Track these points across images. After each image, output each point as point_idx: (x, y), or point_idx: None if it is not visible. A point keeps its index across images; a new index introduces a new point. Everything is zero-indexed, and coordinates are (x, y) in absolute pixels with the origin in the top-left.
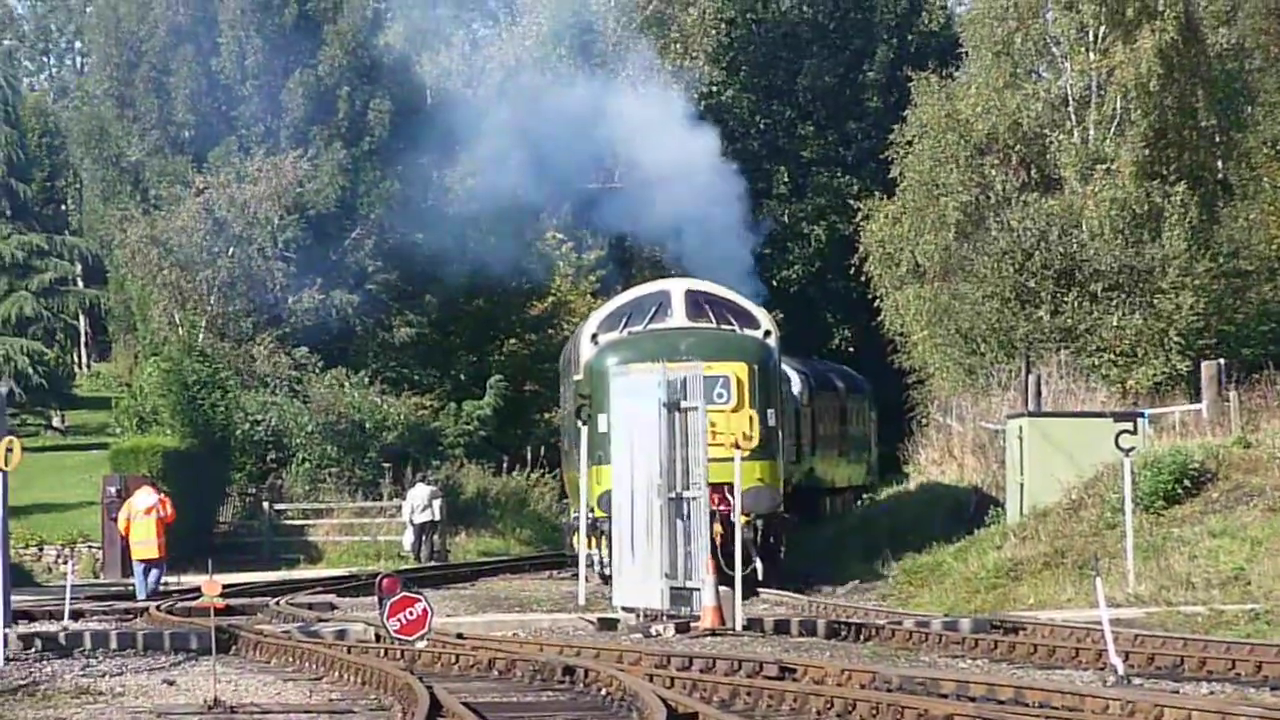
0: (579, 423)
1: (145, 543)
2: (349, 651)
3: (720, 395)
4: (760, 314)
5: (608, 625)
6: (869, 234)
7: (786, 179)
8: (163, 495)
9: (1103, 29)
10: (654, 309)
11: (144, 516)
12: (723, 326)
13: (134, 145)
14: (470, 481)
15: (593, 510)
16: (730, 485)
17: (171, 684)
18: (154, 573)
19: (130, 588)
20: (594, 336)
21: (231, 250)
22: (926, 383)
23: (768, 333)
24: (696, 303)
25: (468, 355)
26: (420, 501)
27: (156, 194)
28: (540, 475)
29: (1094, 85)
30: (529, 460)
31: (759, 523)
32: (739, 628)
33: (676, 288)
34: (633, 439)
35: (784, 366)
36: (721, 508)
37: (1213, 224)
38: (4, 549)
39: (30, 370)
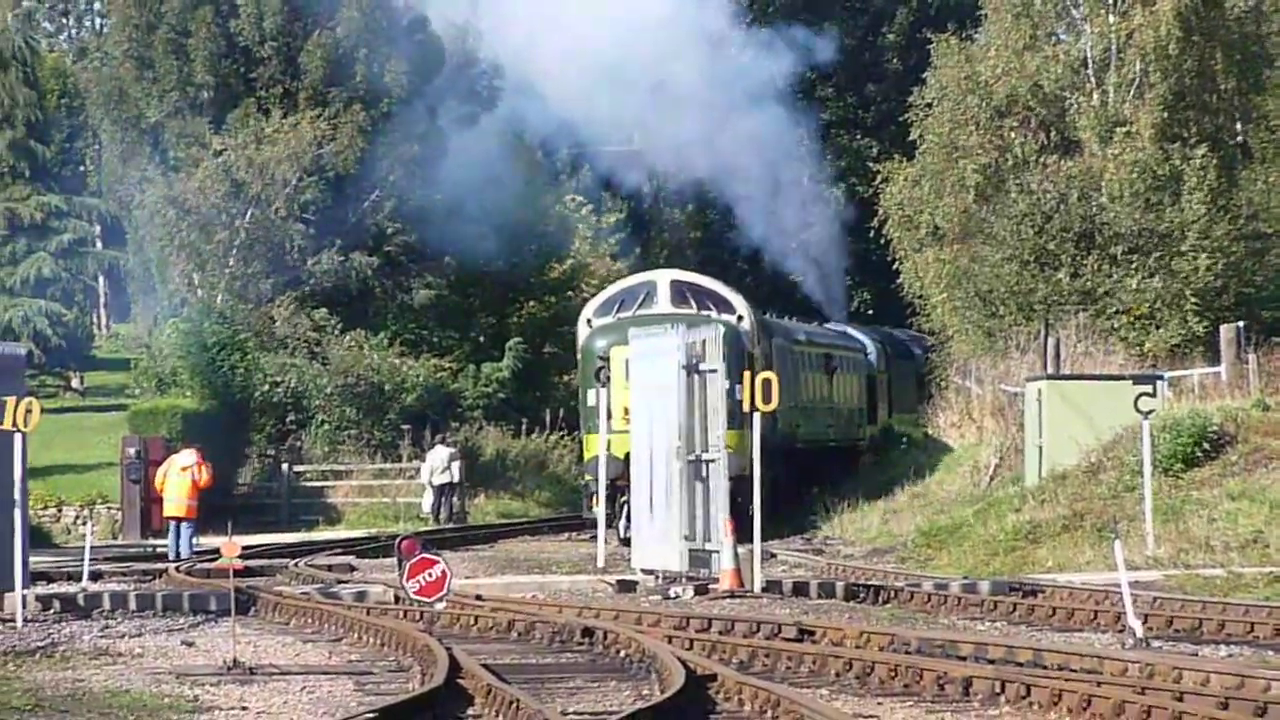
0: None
1: (173, 500)
2: (368, 613)
3: None
4: (737, 301)
5: (627, 587)
6: (888, 196)
7: (806, 140)
8: (201, 459)
9: None
10: (642, 296)
11: (179, 474)
12: (701, 312)
13: (153, 106)
14: (489, 444)
15: (583, 476)
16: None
17: (190, 645)
18: (185, 532)
19: (150, 549)
20: (589, 321)
21: (250, 212)
22: (946, 345)
23: (740, 317)
24: (680, 291)
25: (487, 317)
26: (439, 463)
27: (175, 155)
28: (559, 437)
29: (1113, 48)
30: (548, 422)
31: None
32: (758, 589)
33: (662, 278)
34: (650, 401)
35: (861, 335)
36: None
37: (1231, 187)
38: (23, 510)
39: (49, 331)
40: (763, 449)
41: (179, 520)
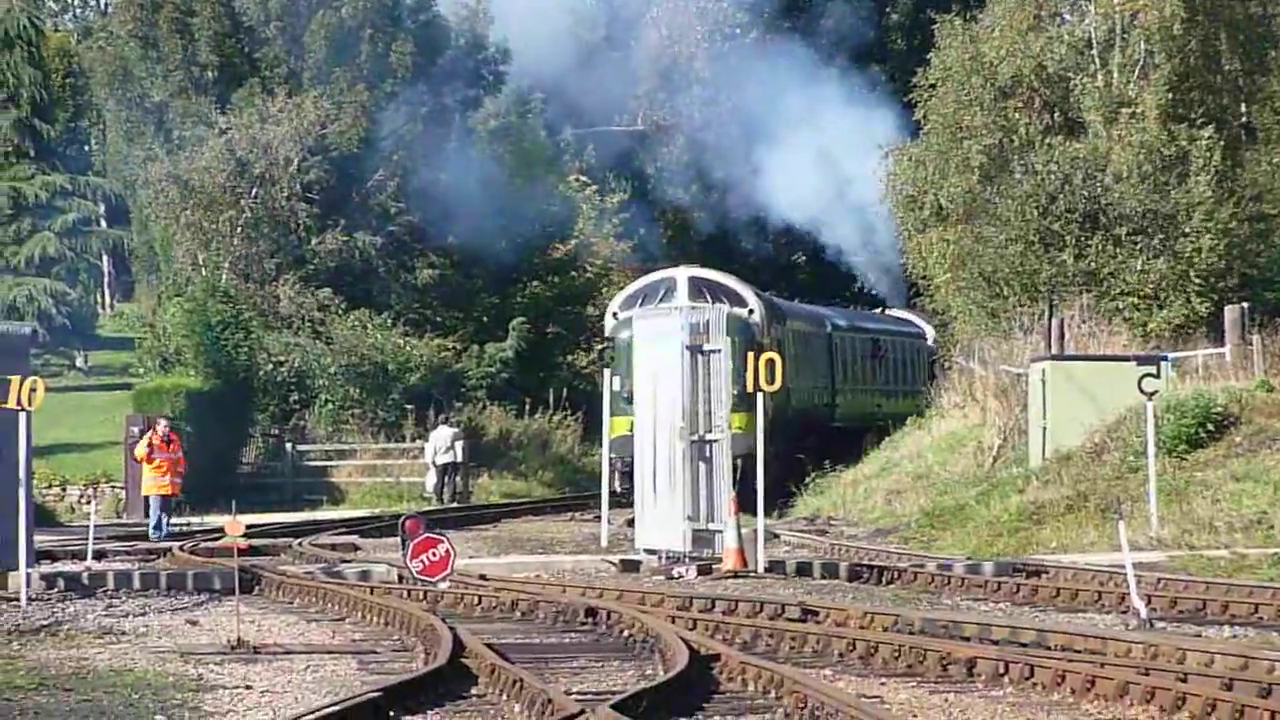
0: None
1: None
2: (372, 592)
3: None
4: (750, 296)
5: (630, 567)
6: (893, 177)
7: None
8: (148, 428)
9: None
10: (663, 291)
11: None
12: (716, 305)
13: (158, 86)
14: (492, 423)
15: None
16: None
17: (195, 624)
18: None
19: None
20: (615, 314)
21: (254, 191)
22: (949, 326)
23: (751, 311)
24: (698, 287)
25: (490, 297)
26: (443, 443)
27: (180, 135)
28: (563, 417)
29: (1118, 28)
30: (551, 402)
31: (739, 461)
32: (761, 570)
33: (682, 274)
34: (655, 382)
35: (918, 321)
36: None
37: (1236, 168)
38: (27, 489)
39: (53, 310)
40: (775, 427)
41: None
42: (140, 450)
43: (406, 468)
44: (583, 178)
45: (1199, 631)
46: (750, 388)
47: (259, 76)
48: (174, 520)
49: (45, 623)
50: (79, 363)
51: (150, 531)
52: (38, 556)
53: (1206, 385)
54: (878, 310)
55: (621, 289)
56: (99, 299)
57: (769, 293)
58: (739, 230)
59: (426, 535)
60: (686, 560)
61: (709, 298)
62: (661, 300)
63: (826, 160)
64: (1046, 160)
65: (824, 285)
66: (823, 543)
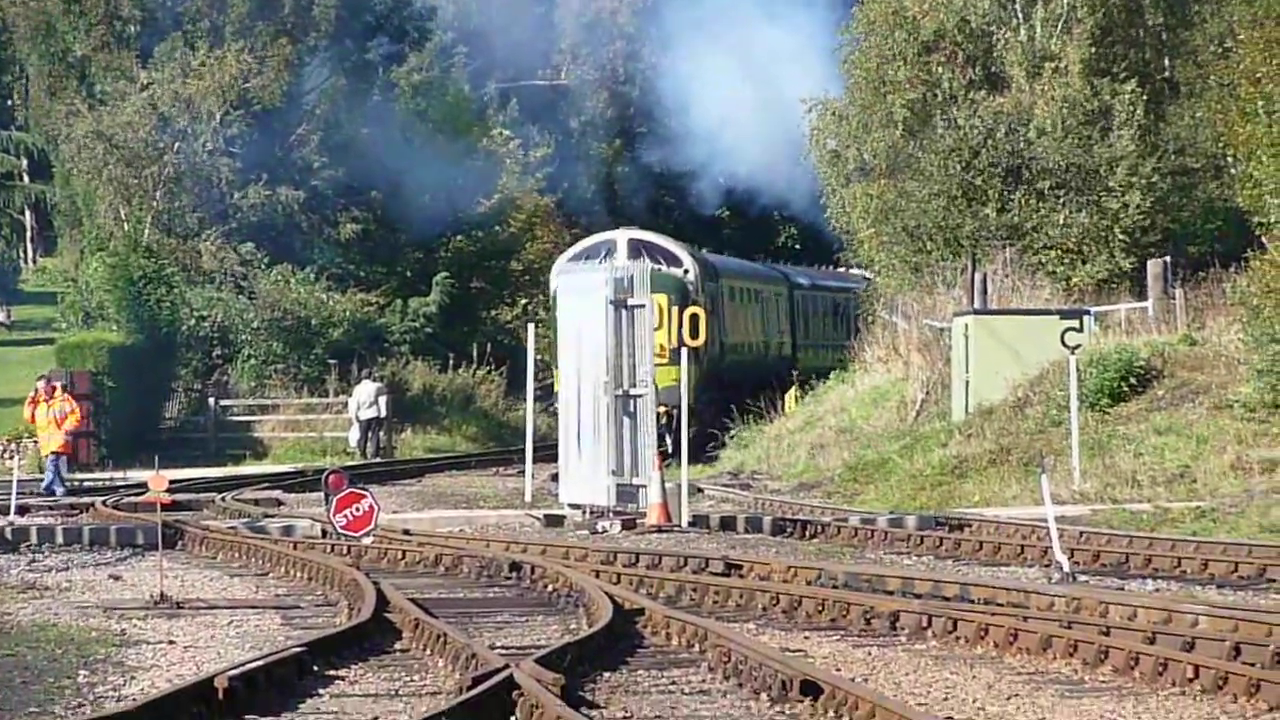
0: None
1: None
2: (295, 547)
3: None
4: (686, 257)
5: (554, 522)
6: (815, 131)
7: None
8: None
9: None
10: (604, 252)
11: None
12: (653, 266)
13: (80, 40)
14: (416, 378)
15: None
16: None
17: (118, 579)
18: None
19: (77, 483)
20: (558, 274)
21: (177, 145)
22: (872, 280)
23: (686, 270)
24: (636, 248)
25: (414, 252)
26: (366, 398)
27: (102, 89)
28: (487, 372)
29: None
30: (475, 357)
31: (674, 411)
32: (685, 524)
33: (622, 236)
34: (580, 337)
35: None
36: None
37: (1159, 122)
38: None
39: None
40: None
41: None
42: (25, 414)
43: (330, 423)
44: (506, 132)
45: (1122, 585)
46: (673, 342)
47: (181, 30)
48: (93, 475)
49: None
50: (1, 317)
51: (44, 492)
52: None
53: (1129, 339)
54: (842, 270)
55: (544, 242)
56: (21, 254)
57: (723, 253)
58: (664, 185)
59: (350, 490)
60: (611, 515)
61: (647, 258)
62: (603, 261)
63: (753, 112)
64: (969, 115)
65: (751, 239)
66: (746, 497)
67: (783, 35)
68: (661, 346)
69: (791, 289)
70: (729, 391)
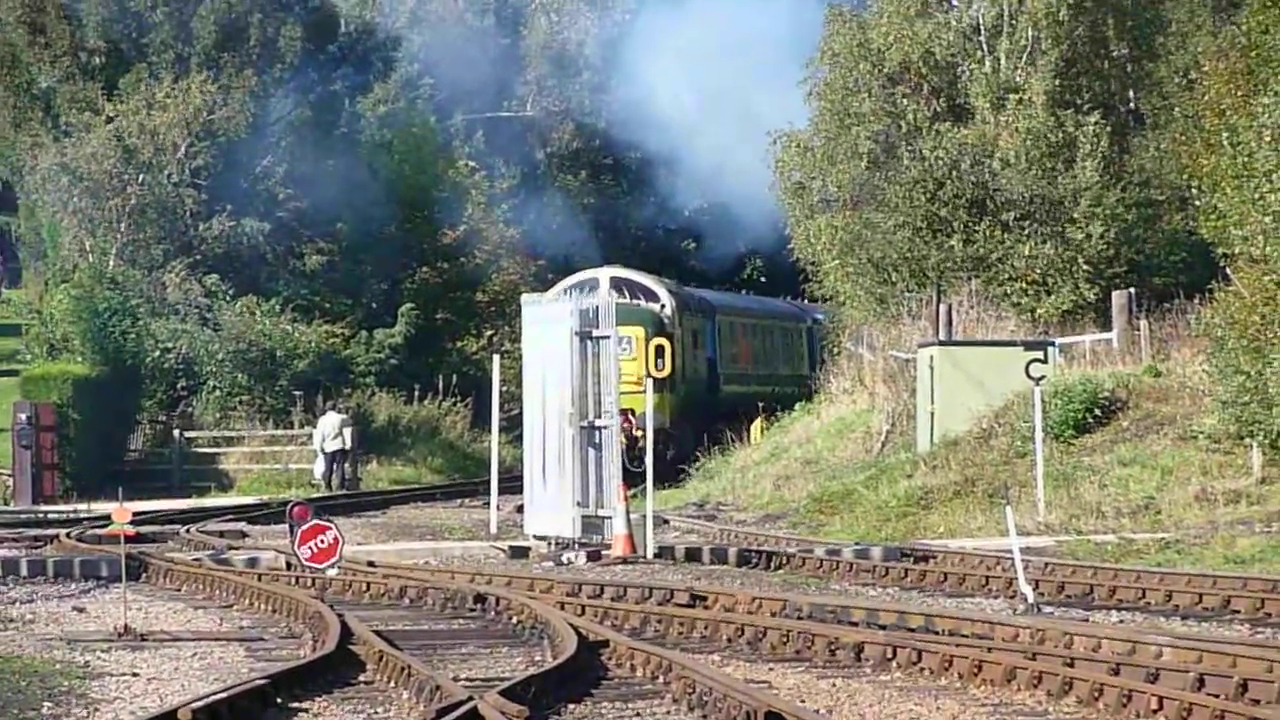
0: None
1: None
2: (259, 579)
3: (625, 349)
4: (664, 293)
5: (519, 553)
6: (780, 163)
7: None
8: None
9: None
10: (588, 289)
11: None
12: (633, 301)
13: (45, 72)
14: (381, 410)
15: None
16: (633, 409)
17: (82, 611)
18: None
19: (42, 515)
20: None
21: (142, 177)
22: (838, 312)
23: (663, 306)
24: (617, 285)
25: (379, 284)
26: (331, 430)
27: (67, 121)
28: (452, 404)
29: (1005, 14)
30: (440, 389)
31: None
32: (650, 555)
33: (604, 274)
34: (544, 368)
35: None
36: (624, 424)
37: (1124, 154)
38: None
39: None
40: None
41: None
42: None
43: (295, 454)
44: (472, 163)
45: (1086, 616)
46: (648, 372)
47: (146, 62)
48: (58, 507)
49: None
50: None
51: None
52: None
53: (1094, 370)
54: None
55: (510, 274)
56: None
57: (744, 291)
58: (630, 217)
59: (315, 522)
60: (576, 546)
61: (627, 295)
62: (585, 298)
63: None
64: (934, 146)
65: (717, 272)
66: (712, 528)
67: (751, 65)
68: (639, 377)
69: (811, 324)
70: (728, 420)
